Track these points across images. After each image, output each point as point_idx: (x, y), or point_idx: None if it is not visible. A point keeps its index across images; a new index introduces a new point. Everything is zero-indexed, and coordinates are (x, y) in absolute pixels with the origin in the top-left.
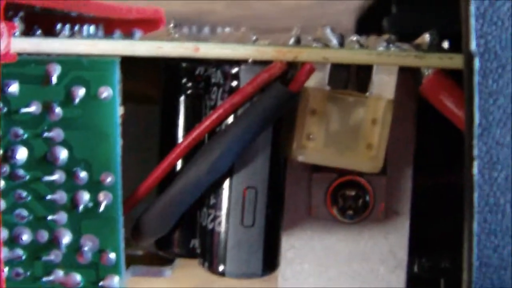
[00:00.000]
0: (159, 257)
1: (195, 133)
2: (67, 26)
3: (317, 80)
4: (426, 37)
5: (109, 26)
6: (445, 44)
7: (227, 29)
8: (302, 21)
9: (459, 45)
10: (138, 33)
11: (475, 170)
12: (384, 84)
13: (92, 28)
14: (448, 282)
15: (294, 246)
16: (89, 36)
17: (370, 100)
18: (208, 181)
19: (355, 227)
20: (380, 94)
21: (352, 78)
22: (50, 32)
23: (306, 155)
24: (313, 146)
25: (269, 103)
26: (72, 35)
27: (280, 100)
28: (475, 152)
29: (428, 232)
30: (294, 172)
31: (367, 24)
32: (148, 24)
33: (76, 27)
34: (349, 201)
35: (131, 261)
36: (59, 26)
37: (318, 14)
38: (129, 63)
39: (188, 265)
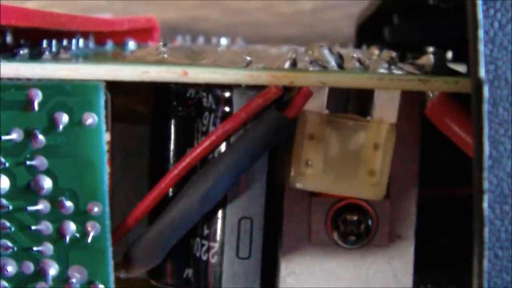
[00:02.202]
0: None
1: (186, 161)
2: (54, 42)
3: (315, 104)
4: (430, 57)
5: (101, 37)
6: (449, 55)
7: (223, 39)
8: (300, 28)
9: (462, 55)
10: (131, 42)
11: (485, 204)
12: (386, 107)
13: (81, 42)
14: None
15: (294, 271)
16: (78, 50)
17: (371, 124)
18: (201, 211)
19: (357, 252)
20: (382, 117)
21: (352, 101)
22: (38, 46)
23: (304, 182)
24: (312, 173)
25: (263, 130)
26: (57, 53)
27: (275, 127)
28: (485, 185)
29: (434, 257)
30: (293, 195)
31: (367, 32)
32: (142, 33)
33: (64, 42)
34: (351, 226)
35: (122, 286)
36: (45, 43)
37: (317, 21)
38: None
39: None
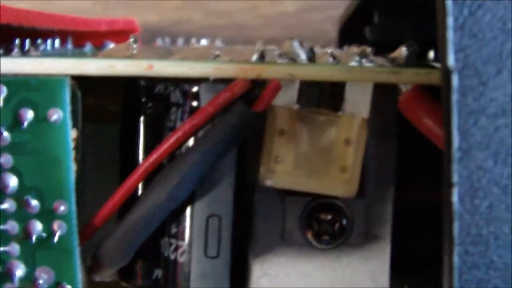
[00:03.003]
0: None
1: (152, 158)
2: (27, 42)
3: (285, 98)
4: (403, 50)
5: (79, 39)
6: (431, 55)
7: (203, 40)
8: (283, 30)
9: None
10: (110, 45)
11: (454, 197)
12: (357, 102)
13: (57, 42)
14: None
15: (268, 273)
16: (54, 50)
17: (342, 119)
18: (167, 209)
19: (333, 253)
20: (354, 112)
21: (325, 96)
22: (10, 46)
23: (274, 179)
24: (282, 170)
25: (231, 124)
26: (28, 51)
27: (243, 121)
28: (455, 178)
29: (411, 256)
30: (265, 194)
31: (349, 32)
32: (121, 36)
33: (39, 41)
34: (325, 225)
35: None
36: (17, 41)
37: (300, 22)
38: (88, 79)
39: None
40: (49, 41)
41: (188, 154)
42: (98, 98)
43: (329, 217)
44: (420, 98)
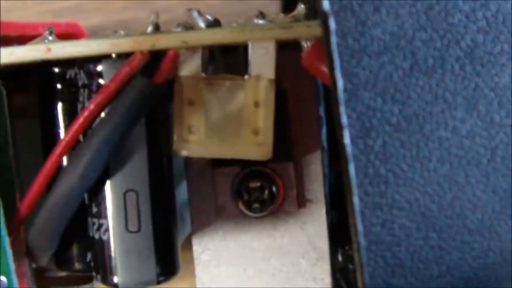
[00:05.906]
0: (79, 277)
1: (64, 141)
2: None
3: (191, 68)
4: (301, 7)
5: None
6: None
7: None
8: (229, 17)
9: None
10: None
11: (346, 139)
12: (262, 63)
13: None
14: None
15: (207, 248)
16: None
17: (248, 82)
18: (82, 188)
19: (269, 221)
20: (259, 74)
21: (232, 61)
22: None
23: (189, 149)
24: (195, 139)
25: (132, 98)
26: None
27: (143, 93)
28: (344, 120)
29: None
30: (195, 169)
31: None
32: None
33: None
34: (255, 193)
35: (51, 283)
36: None
37: (245, 8)
38: (11, 76)
39: None
40: None
41: (95, 132)
42: (27, 95)
43: (258, 184)
44: (319, 51)
